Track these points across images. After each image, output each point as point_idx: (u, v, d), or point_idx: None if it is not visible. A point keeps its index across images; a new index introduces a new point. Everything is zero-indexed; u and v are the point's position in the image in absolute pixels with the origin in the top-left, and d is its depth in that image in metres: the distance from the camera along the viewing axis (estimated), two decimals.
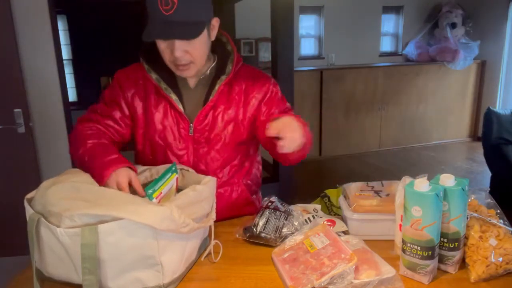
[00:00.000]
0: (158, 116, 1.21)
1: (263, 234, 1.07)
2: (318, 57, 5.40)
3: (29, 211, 0.89)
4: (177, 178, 1.07)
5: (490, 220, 0.94)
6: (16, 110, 2.35)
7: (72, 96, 5.39)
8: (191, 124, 1.20)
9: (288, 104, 1.29)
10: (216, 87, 1.19)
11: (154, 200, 0.95)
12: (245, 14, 4.74)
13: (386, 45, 5.78)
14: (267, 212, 1.10)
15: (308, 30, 5.36)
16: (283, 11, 3.21)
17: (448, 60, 5.30)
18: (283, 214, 1.10)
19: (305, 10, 5.19)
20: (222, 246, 1.08)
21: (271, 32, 3.40)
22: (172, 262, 0.89)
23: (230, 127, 1.22)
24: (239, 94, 1.22)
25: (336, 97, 4.99)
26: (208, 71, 1.21)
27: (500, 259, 0.89)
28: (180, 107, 1.19)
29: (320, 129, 5.03)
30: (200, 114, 1.19)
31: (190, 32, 1.04)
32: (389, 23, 5.73)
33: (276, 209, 1.11)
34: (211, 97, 1.18)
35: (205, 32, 1.09)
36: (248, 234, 1.09)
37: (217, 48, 1.23)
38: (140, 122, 1.23)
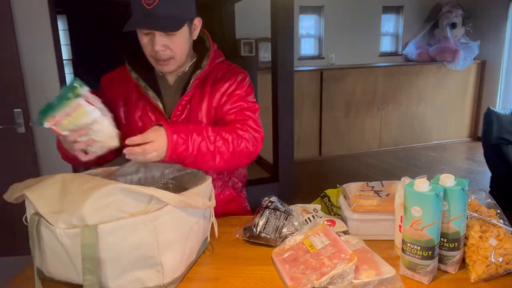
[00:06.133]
0: (138, 113, 1.25)
1: (263, 234, 1.07)
2: (318, 57, 5.40)
3: (29, 211, 0.89)
4: (85, 101, 0.96)
5: (490, 220, 0.94)
6: (16, 110, 2.35)
7: None
8: (168, 120, 1.22)
9: (247, 104, 1.22)
10: (191, 81, 1.20)
11: (46, 124, 0.93)
12: (245, 14, 4.74)
13: (386, 45, 5.78)
14: (267, 212, 1.10)
15: (308, 30, 5.37)
16: (283, 11, 3.22)
17: (448, 60, 5.30)
18: (283, 214, 1.10)
19: (305, 10, 5.19)
20: (222, 246, 1.08)
21: (271, 32, 3.40)
22: (172, 262, 0.89)
23: (204, 119, 1.22)
24: (210, 87, 1.23)
25: (336, 97, 4.99)
26: (187, 69, 1.24)
27: (500, 259, 0.89)
28: (158, 103, 1.22)
29: (320, 129, 5.03)
30: (176, 108, 1.21)
31: (170, 25, 1.07)
32: (389, 23, 5.73)
33: (276, 209, 1.11)
34: (186, 91, 1.20)
35: (186, 29, 1.12)
36: (248, 234, 1.09)
37: (197, 46, 1.26)
38: (120, 122, 1.28)
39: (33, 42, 2.48)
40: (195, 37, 1.20)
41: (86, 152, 1.05)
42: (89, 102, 0.98)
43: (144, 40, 1.13)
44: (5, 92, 2.36)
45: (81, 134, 0.99)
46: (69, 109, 0.94)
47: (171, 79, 1.25)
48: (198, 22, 1.18)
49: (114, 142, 1.04)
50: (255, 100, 1.27)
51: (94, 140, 1.01)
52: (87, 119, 0.97)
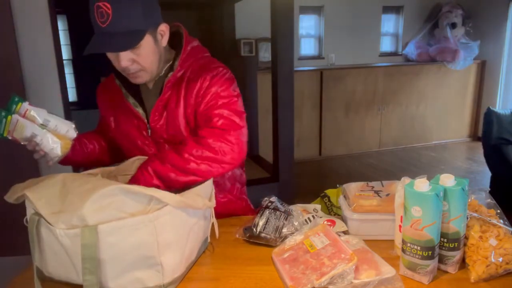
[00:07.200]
0: (123, 121, 1.25)
1: (263, 234, 1.07)
2: (318, 57, 5.40)
3: (29, 211, 0.89)
4: (26, 109, 1.05)
5: (490, 220, 0.94)
6: None
7: (72, 96, 5.36)
8: (148, 125, 1.21)
9: (221, 100, 1.14)
10: (164, 85, 1.17)
11: (8, 136, 1.03)
12: (245, 14, 4.74)
13: (386, 45, 5.78)
14: (267, 212, 1.10)
15: (308, 30, 5.37)
16: (283, 11, 3.21)
17: (448, 60, 5.30)
18: (283, 214, 1.10)
19: (305, 10, 5.19)
20: (222, 246, 1.08)
21: (271, 32, 3.40)
22: (172, 262, 0.89)
23: (183, 123, 1.18)
24: (184, 90, 1.17)
25: (336, 97, 4.99)
26: (163, 72, 1.19)
27: (500, 259, 0.89)
28: (138, 110, 1.21)
29: (320, 129, 5.03)
30: (153, 114, 1.19)
31: (126, 42, 1.03)
32: (389, 23, 5.73)
33: (276, 209, 1.11)
34: (160, 95, 1.17)
35: (149, 39, 1.07)
36: (248, 234, 1.09)
37: (177, 44, 1.21)
38: (112, 129, 1.29)
39: (33, 42, 2.48)
40: (164, 44, 1.14)
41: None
42: (26, 117, 1.04)
43: (110, 56, 1.09)
44: (5, 92, 2.35)
45: (33, 145, 1.06)
46: (12, 125, 1.03)
47: (150, 83, 1.23)
48: (165, 28, 1.12)
49: (56, 153, 1.08)
50: (236, 90, 1.18)
51: (42, 150, 1.07)
52: (26, 133, 1.04)
